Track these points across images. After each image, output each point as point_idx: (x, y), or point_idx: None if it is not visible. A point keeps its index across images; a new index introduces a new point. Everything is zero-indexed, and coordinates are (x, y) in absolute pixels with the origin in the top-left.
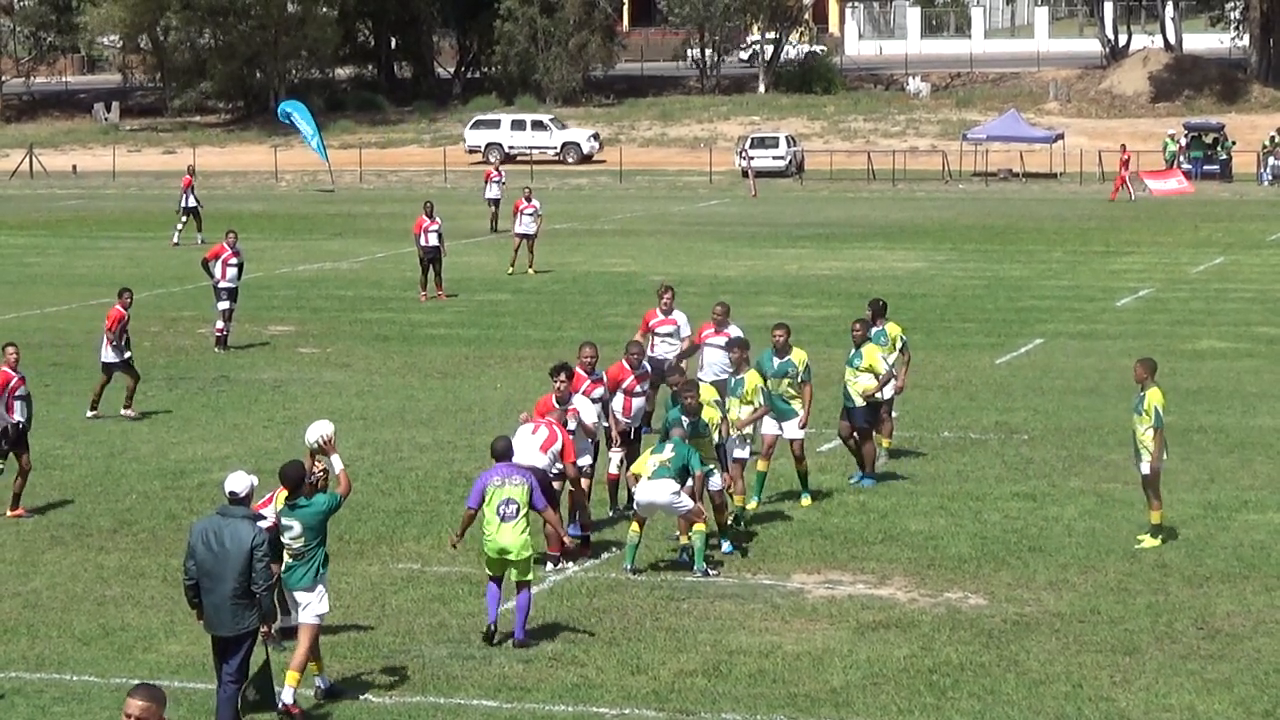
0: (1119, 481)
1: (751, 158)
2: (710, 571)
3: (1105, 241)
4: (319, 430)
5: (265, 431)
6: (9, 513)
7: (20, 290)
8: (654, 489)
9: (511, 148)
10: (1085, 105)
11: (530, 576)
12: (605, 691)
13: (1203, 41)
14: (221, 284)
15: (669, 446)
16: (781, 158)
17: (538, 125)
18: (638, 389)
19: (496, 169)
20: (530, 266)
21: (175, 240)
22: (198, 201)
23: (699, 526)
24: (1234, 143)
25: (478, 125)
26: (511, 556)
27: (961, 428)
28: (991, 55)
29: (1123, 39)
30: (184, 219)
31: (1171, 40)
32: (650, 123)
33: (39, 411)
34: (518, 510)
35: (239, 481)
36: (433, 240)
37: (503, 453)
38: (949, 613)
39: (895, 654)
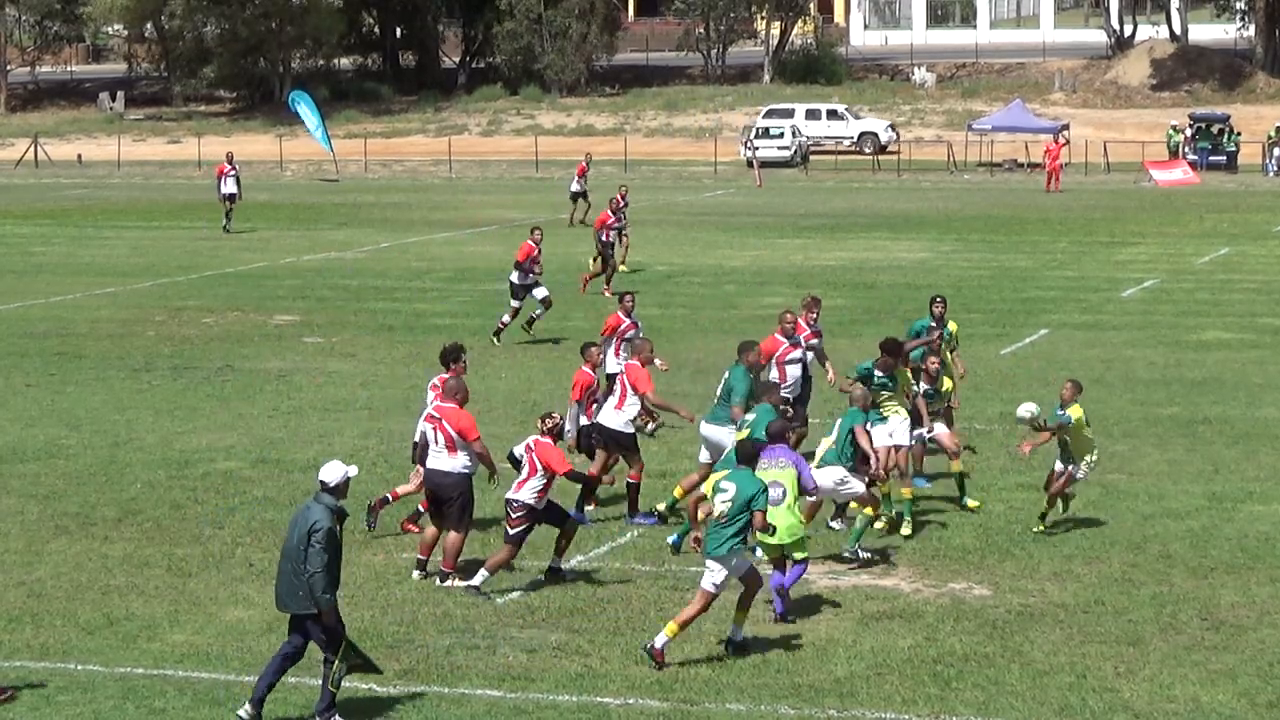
0: (1124, 473)
1: (756, 148)
2: (862, 554)
3: (1110, 232)
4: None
5: (270, 421)
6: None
7: (25, 280)
8: (822, 475)
9: (806, 137)
10: (1091, 96)
11: (801, 554)
12: (609, 681)
13: (1208, 32)
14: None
15: (836, 425)
16: (786, 148)
17: (833, 115)
18: (792, 356)
19: (587, 163)
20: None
21: (225, 227)
22: (238, 187)
23: (868, 510)
24: (1240, 133)
25: (770, 114)
26: (780, 540)
27: (966, 418)
28: (997, 45)
29: (1128, 29)
30: (229, 205)
31: (1177, 31)
32: (655, 113)
33: (44, 400)
34: (784, 494)
35: (330, 471)
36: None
37: (775, 434)
38: (953, 603)
39: (899, 644)
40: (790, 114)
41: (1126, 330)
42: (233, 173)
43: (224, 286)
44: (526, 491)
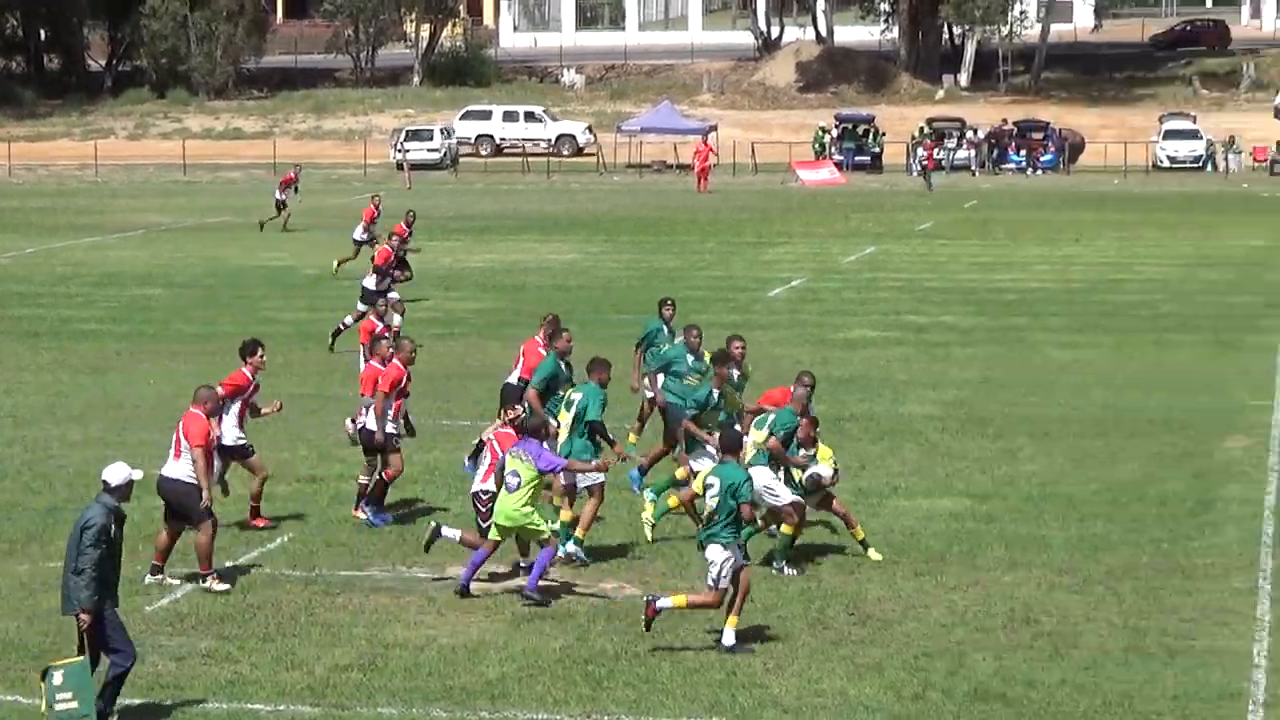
0: None
1: (406, 150)
2: (787, 570)
3: (758, 232)
4: None
5: None
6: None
7: None
8: (755, 474)
9: (503, 139)
10: (739, 97)
11: (543, 537)
12: (260, 688)
13: (853, 34)
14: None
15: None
16: (436, 150)
17: (530, 117)
18: None
19: (295, 173)
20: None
21: None
22: None
23: (785, 528)
24: (884, 134)
25: (467, 116)
26: (506, 523)
27: (618, 419)
28: (646, 47)
29: (775, 31)
30: None
31: (823, 33)
32: (304, 115)
33: None
34: (519, 482)
35: (113, 472)
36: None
37: (532, 430)
38: (604, 603)
39: (551, 645)
40: (488, 115)
41: (774, 329)
42: None
43: None
44: (493, 481)
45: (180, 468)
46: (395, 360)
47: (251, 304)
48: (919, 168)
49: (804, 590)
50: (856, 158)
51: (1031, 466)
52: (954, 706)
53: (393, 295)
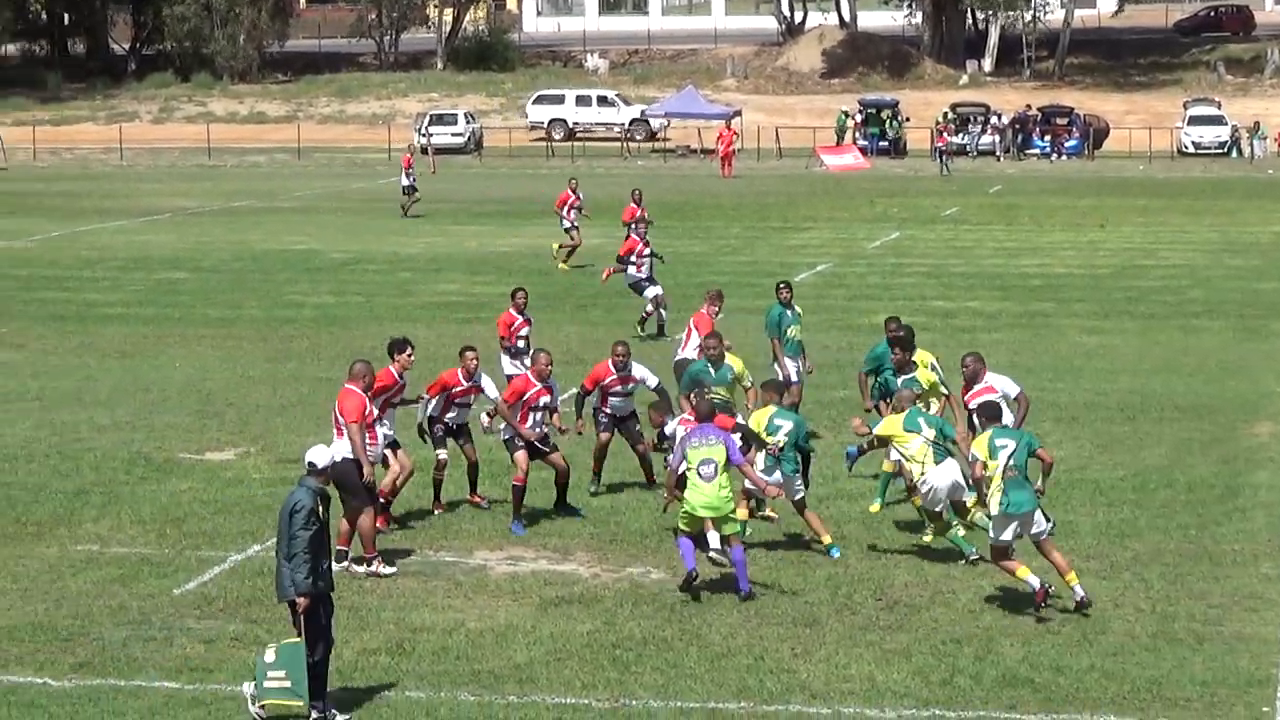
0: None
1: (431, 134)
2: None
3: (783, 217)
4: None
5: None
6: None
7: None
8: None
9: (576, 124)
10: (762, 82)
11: (733, 530)
12: None
13: (876, 19)
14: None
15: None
16: (460, 134)
17: (603, 101)
18: (618, 389)
19: (412, 156)
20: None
21: None
22: None
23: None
24: (908, 119)
25: (540, 100)
26: (712, 514)
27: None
28: (669, 32)
29: (799, 16)
30: None
31: (846, 18)
32: (328, 99)
33: None
34: (715, 469)
35: (318, 454)
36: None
37: (705, 415)
38: (631, 587)
39: (578, 629)
40: (561, 100)
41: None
42: None
43: None
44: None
45: (340, 446)
46: (528, 372)
47: (276, 288)
48: (941, 157)
49: (831, 576)
50: (880, 143)
51: (1059, 452)
52: (982, 692)
53: (651, 290)
